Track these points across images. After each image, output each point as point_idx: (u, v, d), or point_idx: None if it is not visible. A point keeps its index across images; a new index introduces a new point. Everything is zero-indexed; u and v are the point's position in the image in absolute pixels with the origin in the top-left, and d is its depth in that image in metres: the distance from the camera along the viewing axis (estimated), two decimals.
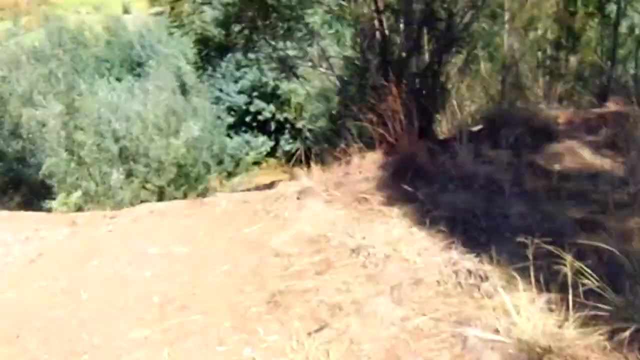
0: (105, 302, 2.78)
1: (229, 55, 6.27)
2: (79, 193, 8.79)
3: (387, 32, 4.36)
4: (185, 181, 10.25)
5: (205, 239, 3.30)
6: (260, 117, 14.02)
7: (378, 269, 2.62)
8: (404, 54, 4.22)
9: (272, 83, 13.66)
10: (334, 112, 10.95)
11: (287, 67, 6.56)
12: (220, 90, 13.75)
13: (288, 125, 14.36)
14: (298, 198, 3.49)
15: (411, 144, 3.53)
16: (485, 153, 3.46)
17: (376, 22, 4.35)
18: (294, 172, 3.97)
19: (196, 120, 10.63)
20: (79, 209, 8.79)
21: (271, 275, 2.77)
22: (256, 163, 14.03)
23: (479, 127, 4.47)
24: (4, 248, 3.55)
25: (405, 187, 3.24)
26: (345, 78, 4.89)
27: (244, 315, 2.48)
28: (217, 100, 13.56)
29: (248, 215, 3.51)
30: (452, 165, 3.34)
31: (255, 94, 14.00)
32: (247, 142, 13.47)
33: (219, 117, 12.85)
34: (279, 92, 13.86)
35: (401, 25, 4.46)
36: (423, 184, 3.30)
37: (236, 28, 4.81)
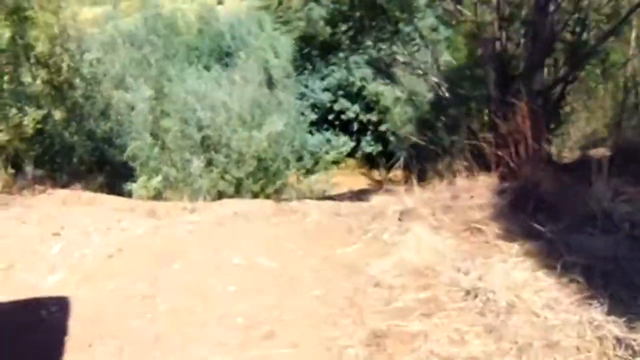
0: (184, 316, 2.52)
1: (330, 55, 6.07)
2: (159, 178, 8.78)
3: (508, 43, 3.90)
4: (264, 175, 10.08)
5: (295, 254, 2.99)
6: (343, 117, 13.72)
7: (499, 320, 2.21)
8: (527, 69, 3.75)
9: (358, 83, 13.31)
10: (424, 119, 10.50)
11: (382, 69, 6.21)
12: (306, 87, 13.54)
13: (371, 127, 13.99)
14: (399, 219, 3.13)
15: (534, 170, 3.07)
16: (623, 189, 2.96)
17: (497, 32, 3.90)
18: (395, 190, 3.58)
19: (280, 114, 10.45)
20: (158, 193, 8.80)
21: (370, 309, 2.42)
22: (335, 162, 13.77)
23: (604, 153, 3.93)
24: (84, 237, 3.38)
25: (527, 220, 2.81)
26: (455, 88, 4.46)
27: (339, 356, 2.15)
28: (302, 96, 13.37)
29: (342, 232, 3.18)
30: (584, 201, 2.86)
31: (340, 92, 13.71)
32: (328, 141, 13.21)
33: (302, 114, 12.66)
34: (364, 93, 13.49)
35: (522, 38, 4.01)
36: (548, 218, 2.84)
37: (343, 27, 4.50)
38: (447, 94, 4.47)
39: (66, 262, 3.06)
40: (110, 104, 8.93)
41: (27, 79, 6.24)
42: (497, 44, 3.93)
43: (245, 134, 9.68)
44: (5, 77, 5.63)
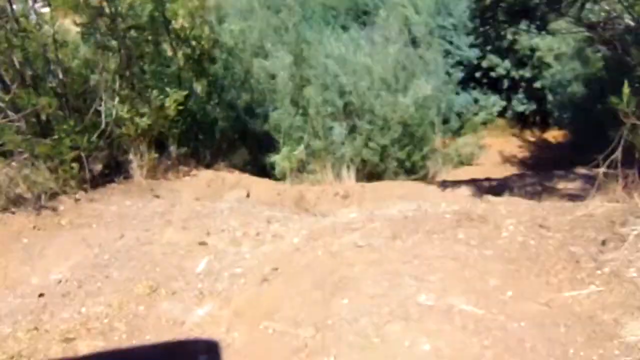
0: None
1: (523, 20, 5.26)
2: (301, 147, 8.43)
3: None
4: (410, 141, 9.40)
5: (501, 295, 2.26)
6: (492, 74, 12.51)
7: None
8: None
9: (509, 37, 12.00)
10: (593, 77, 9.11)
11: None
12: (450, 43, 12.48)
13: (523, 84, 12.66)
14: None
15: None
16: None
17: None
18: (613, 189, 2.71)
19: (427, 76, 9.64)
20: (301, 164, 8.50)
21: None
22: (483, 123, 12.67)
23: None
24: (233, 248, 2.95)
25: None
26: None
27: None
28: (446, 54, 12.33)
29: (560, 261, 2.38)
30: None
31: (488, 47, 12.49)
32: (476, 101, 12.12)
33: (447, 73, 11.66)
34: (516, 47, 12.17)
35: None
36: None
37: None
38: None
39: (215, 288, 2.64)
40: (250, 73, 8.67)
41: (167, 54, 6.06)
42: None
43: (390, 99, 9.03)
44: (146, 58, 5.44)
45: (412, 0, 12.99)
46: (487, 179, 5.86)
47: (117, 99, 4.97)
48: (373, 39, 11.22)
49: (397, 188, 5.04)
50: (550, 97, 11.76)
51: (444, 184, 5.13)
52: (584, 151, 10.64)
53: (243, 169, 7.13)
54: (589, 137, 10.38)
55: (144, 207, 3.87)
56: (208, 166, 5.88)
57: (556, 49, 11.57)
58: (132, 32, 5.30)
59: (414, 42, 11.96)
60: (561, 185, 4.09)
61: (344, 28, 14.07)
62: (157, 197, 4.21)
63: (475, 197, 4.69)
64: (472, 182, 5.44)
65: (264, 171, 7.82)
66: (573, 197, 2.84)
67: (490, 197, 3.76)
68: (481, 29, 10.83)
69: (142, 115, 4.83)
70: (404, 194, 4.97)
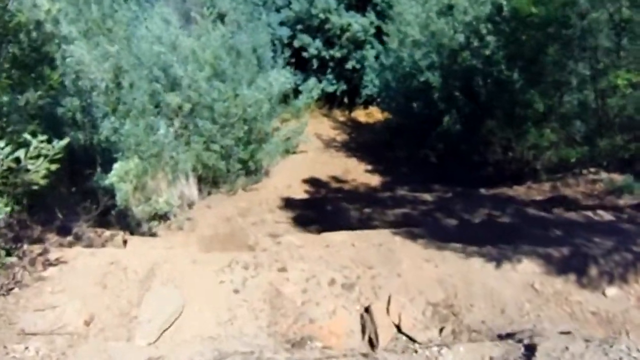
0: None
1: None
2: (135, 159, 6.79)
3: None
4: (251, 138, 8.31)
5: None
6: (304, 54, 11.95)
7: None
8: None
9: (321, 16, 11.51)
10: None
11: None
12: (259, 20, 11.45)
13: (332, 64, 12.35)
14: None
15: None
16: None
17: None
18: None
19: (259, 61, 8.57)
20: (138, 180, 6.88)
21: None
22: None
23: None
24: None
25: None
26: None
27: None
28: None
29: None
30: None
31: (299, 26, 11.86)
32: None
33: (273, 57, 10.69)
34: (327, 26, 11.73)
35: None
36: None
37: None
38: None
39: None
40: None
41: None
42: None
43: (230, 92, 7.84)
44: None
45: None
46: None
47: None
48: (188, 15, 9.63)
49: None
50: (366, 78, 11.63)
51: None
52: (402, 133, 10.83)
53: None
54: (405, 118, 10.53)
55: None
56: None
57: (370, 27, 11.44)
58: None
59: (221, 19, 10.66)
60: None
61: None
62: None
63: None
64: None
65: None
66: None
67: None
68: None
69: None
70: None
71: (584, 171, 5.78)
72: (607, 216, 4.81)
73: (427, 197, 6.83)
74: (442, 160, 8.86)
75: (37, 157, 2.85)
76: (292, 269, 3.80)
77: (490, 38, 7.16)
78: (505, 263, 3.99)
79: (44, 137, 2.88)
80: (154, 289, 3.49)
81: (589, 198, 5.32)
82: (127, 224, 5.98)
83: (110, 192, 5.91)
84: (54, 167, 2.94)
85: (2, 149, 2.68)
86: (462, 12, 7.71)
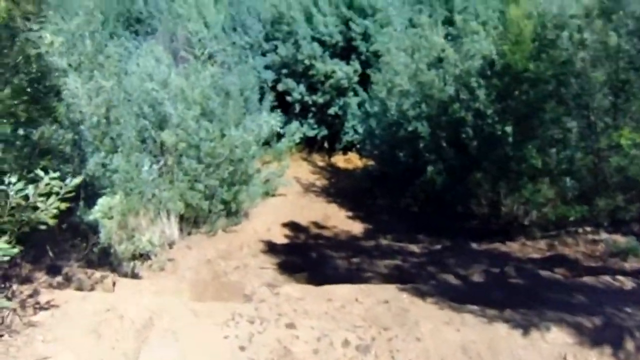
0: None
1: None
2: (119, 195, 6.63)
3: None
4: (235, 179, 8.21)
5: None
6: (288, 98, 12.02)
7: None
8: None
9: (307, 62, 11.65)
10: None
11: None
12: (246, 63, 11.55)
13: (314, 109, 12.45)
14: None
15: None
16: None
17: None
18: None
19: (245, 103, 8.58)
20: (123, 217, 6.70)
21: None
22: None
23: None
24: None
25: None
26: None
27: None
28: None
29: None
30: None
31: (284, 71, 11.96)
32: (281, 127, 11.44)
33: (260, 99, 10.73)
34: (312, 72, 11.87)
35: None
36: None
37: None
38: None
39: None
40: None
41: None
42: None
43: (217, 132, 7.78)
44: None
45: (200, 12, 11.64)
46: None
47: None
48: (176, 54, 9.65)
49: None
50: (348, 124, 11.75)
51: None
52: (383, 181, 10.90)
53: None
54: (389, 166, 10.61)
55: None
56: None
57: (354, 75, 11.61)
58: None
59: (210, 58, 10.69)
60: None
61: (113, 36, 11.96)
62: None
63: None
64: None
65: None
66: None
67: None
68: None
69: None
70: None
71: (580, 230, 5.82)
72: (628, 282, 4.68)
73: (415, 248, 6.79)
74: (425, 210, 8.90)
75: (48, 194, 2.72)
76: (300, 325, 3.65)
77: (480, 92, 7.30)
78: (533, 331, 3.77)
79: (56, 174, 2.76)
80: (152, 342, 3.32)
81: (591, 259, 5.32)
82: (110, 262, 5.77)
83: (93, 228, 5.74)
84: (63, 206, 2.81)
85: (14, 184, 2.55)
86: (452, 64, 7.88)
